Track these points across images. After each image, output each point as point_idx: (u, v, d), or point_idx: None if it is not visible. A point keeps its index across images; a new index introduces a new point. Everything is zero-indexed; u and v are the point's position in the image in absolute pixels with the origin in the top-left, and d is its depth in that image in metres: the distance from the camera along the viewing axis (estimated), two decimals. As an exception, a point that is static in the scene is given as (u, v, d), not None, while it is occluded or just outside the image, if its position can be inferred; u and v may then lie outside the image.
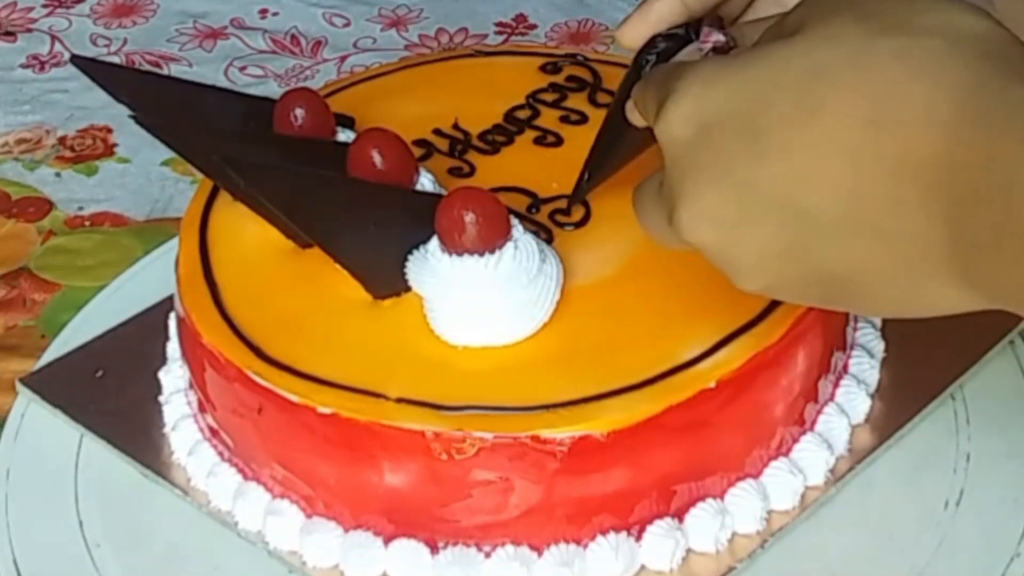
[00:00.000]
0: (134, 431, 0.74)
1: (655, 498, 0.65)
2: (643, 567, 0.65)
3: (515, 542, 0.64)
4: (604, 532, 0.64)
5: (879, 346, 0.74)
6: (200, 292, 0.70)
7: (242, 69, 1.10)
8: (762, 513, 0.67)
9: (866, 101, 0.49)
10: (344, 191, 0.66)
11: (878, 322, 0.75)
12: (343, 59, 1.11)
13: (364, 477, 0.64)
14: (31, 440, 0.76)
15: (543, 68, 0.81)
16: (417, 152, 0.73)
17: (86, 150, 1.03)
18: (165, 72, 1.09)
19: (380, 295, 0.67)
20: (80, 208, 0.97)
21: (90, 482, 0.73)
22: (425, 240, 0.65)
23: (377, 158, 0.67)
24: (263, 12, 1.17)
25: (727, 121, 0.52)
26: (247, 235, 0.72)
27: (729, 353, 0.64)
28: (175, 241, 0.74)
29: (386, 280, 0.66)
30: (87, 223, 0.96)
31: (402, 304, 0.67)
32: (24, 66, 1.12)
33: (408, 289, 0.66)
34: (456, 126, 0.77)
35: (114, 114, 1.02)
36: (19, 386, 0.78)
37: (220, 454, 0.71)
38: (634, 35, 0.63)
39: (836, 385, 0.71)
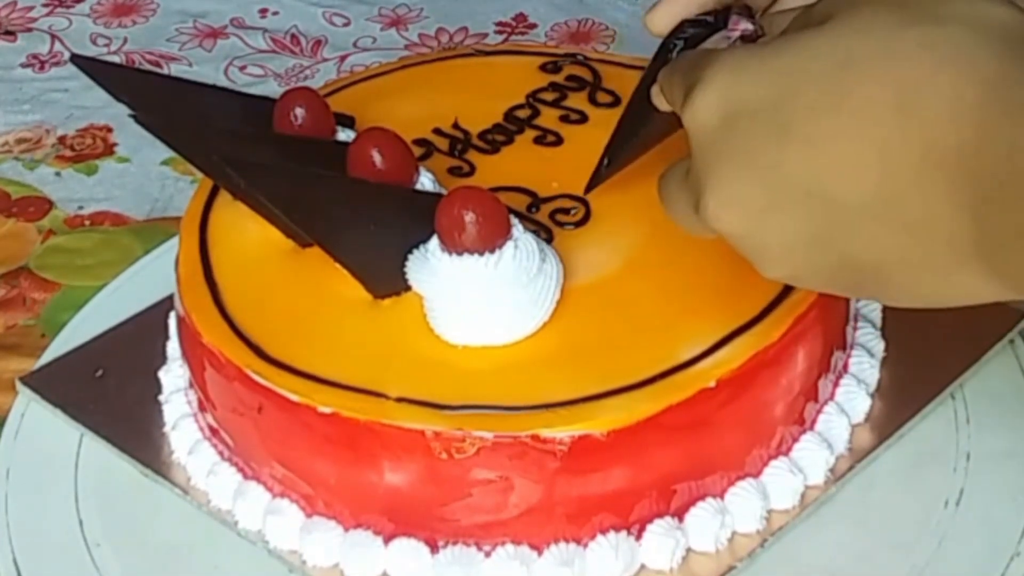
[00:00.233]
0: (134, 431, 0.74)
1: (655, 497, 0.65)
2: (643, 566, 0.65)
3: (515, 541, 0.64)
4: (604, 531, 0.64)
5: (879, 346, 0.74)
6: (200, 292, 0.70)
7: (242, 69, 1.10)
8: (762, 512, 0.67)
9: (893, 90, 0.49)
10: (344, 191, 0.66)
11: (878, 322, 0.75)
12: (343, 59, 1.11)
13: (364, 476, 0.64)
14: (31, 440, 0.76)
15: (543, 68, 0.81)
16: (417, 152, 0.73)
17: (86, 149, 1.03)
18: (165, 72, 1.09)
19: (380, 295, 0.67)
20: (80, 207, 0.97)
21: (90, 482, 0.73)
22: (425, 240, 0.65)
23: (377, 158, 0.67)
24: (263, 12, 1.17)
25: (755, 109, 0.52)
26: (247, 235, 0.72)
27: (729, 352, 0.64)
28: (175, 241, 0.74)
29: (386, 280, 0.66)
30: (87, 222, 0.96)
31: (402, 304, 0.67)
32: (24, 66, 1.12)
33: (408, 289, 0.66)
34: (456, 126, 0.77)
35: (114, 114, 1.02)
36: (19, 385, 0.78)
37: (220, 453, 0.71)
38: (662, 20, 0.63)
39: (836, 384, 0.71)
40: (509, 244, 0.64)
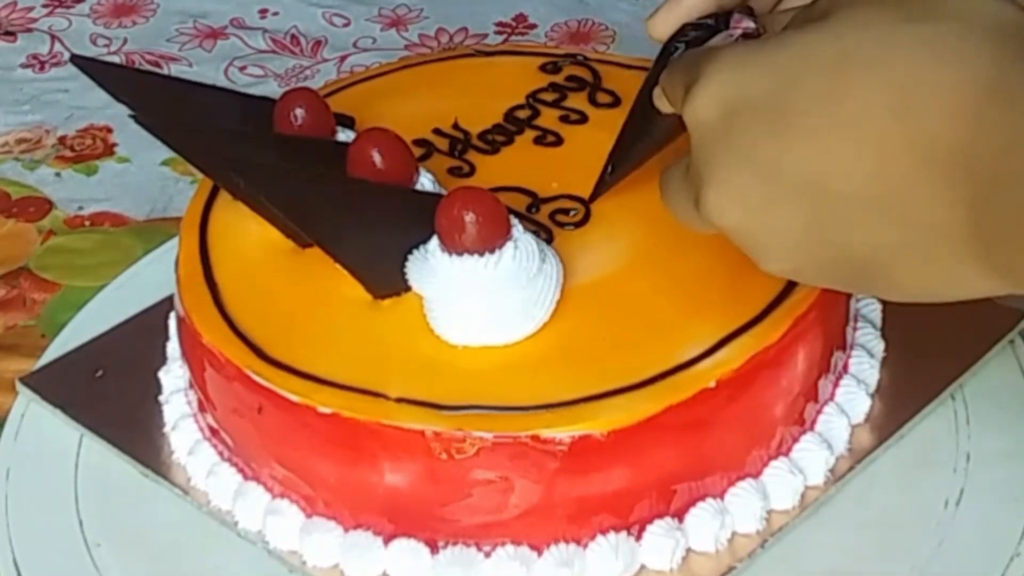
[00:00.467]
0: (134, 431, 0.74)
1: (655, 498, 0.65)
2: (643, 567, 0.65)
3: (515, 542, 0.64)
4: (604, 532, 0.64)
5: (879, 346, 0.74)
6: (200, 292, 0.70)
7: (242, 69, 1.10)
8: (762, 513, 0.67)
9: (892, 86, 0.50)
10: (344, 191, 0.66)
11: (878, 322, 0.75)
12: (343, 59, 1.11)
13: (364, 477, 0.64)
14: (31, 440, 0.76)
15: (543, 68, 0.81)
16: (417, 152, 0.73)
17: (86, 150, 1.03)
18: (165, 72, 1.09)
19: (380, 295, 0.67)
20: (80, 208, 0.97)
21: (90, 482, 0.73)
22: (425, 240, 0.65)
23: (377, 158, 0.67)
24: (263, 12, 1.17)
25: (754, 104, 0.53)
26: (247, 235, 0.72)
27: (729, 353, 0.64)
28: (175, 241, 0.74)
29: (386, 280, 0.66)
30: (87, 223, 0.96)
31: (402, 304, 0.67)
32: (24, 66, 1.12)
33: (408, 289, 0.66)
34: (456, 126, 0.77)
35: (114, 114, 1.02)
36: (19, 386, 0.78)
37: (220, 454, 0.71)
38: (664, 25, 0.63)
39: (836, 385, 0.71)
40: (509, 244, 0.64)
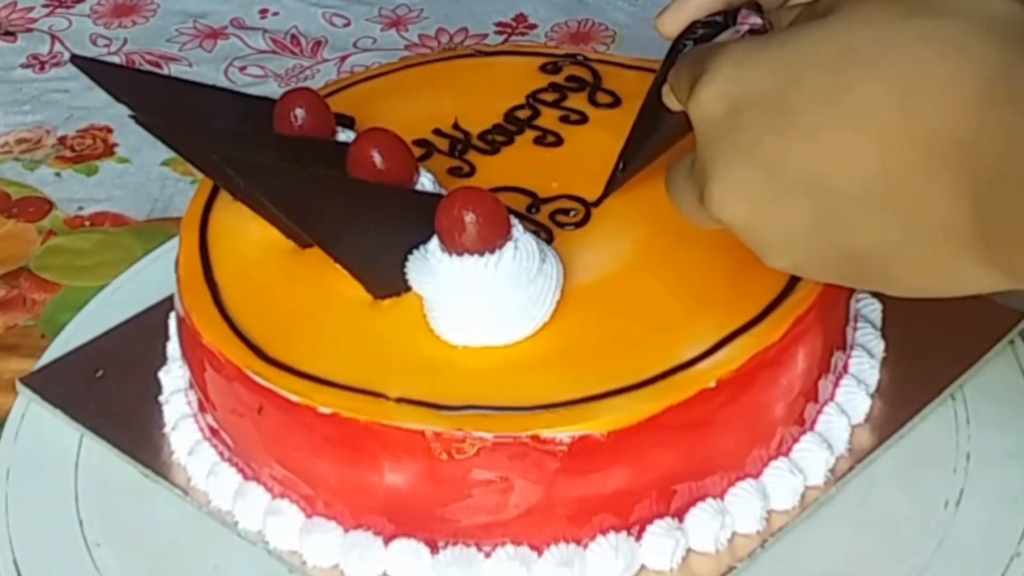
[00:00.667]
0: (134, 431, 0.74)
1: (655, 498, 0.65)
2: (643, 567, 0.65)
3: (515, 542, 0.64)
4: (604, 532, 0.64)
5: (879, 346, 0.74)
6: (200, 292, 0.70)
7: (242, 69, 1.10)
8: (762, 513, 0.67)
9: (894, 82, 0.50)
10: (344, 191, 0.66)
11: (878, 322, 0.75)
12: (343, 59, 1.11)
13: (364, 477, 0.64)
14: (31, 440, 0.76)
15: (543, 68, 0.81)
16: (417, 152, 0.73)
17: (86, 150, 1.03)
18: (165, 72, 1.09)
19: (380, 295, 0.67)
20: (80, 208, 0.97)
21: (90, 482, 0.73)
22: (425, 240, 0.65)
23: (377, 158, 0.67)
24: (263, 12, 1.17)
25: (758, 99, 0.53)
26: (247, 235, 0.72)
27: (729, 353, 0.64)
28: (175, 241, 0.74)
29: (386, 280, 0.66)
30: (87, 223, 0.96)
31: (402, 304, 0.67)
32: (24, 66, 1.12)
33: (408, 289, 0.66)
34: (456, 126, 0.77)
35: (114, 114, 1.02)
36: (19, 386, 0.78)
37: (220, 454, 0.71)
38: (673, 22, 0.64)
39: (836, 385, 0.71)
40: (509, 245, 0.64)
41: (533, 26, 1.14)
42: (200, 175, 0.77)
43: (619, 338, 0.65)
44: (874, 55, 0.51)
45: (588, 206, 0.71)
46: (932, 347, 0.73)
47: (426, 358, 0.65)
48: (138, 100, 0.71)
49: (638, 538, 0.65)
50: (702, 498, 0.66)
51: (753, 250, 0.57)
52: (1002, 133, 0.47)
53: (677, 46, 0.63)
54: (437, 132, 0.77)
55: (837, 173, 0.52)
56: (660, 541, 0.65)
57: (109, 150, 1.02)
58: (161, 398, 0.75)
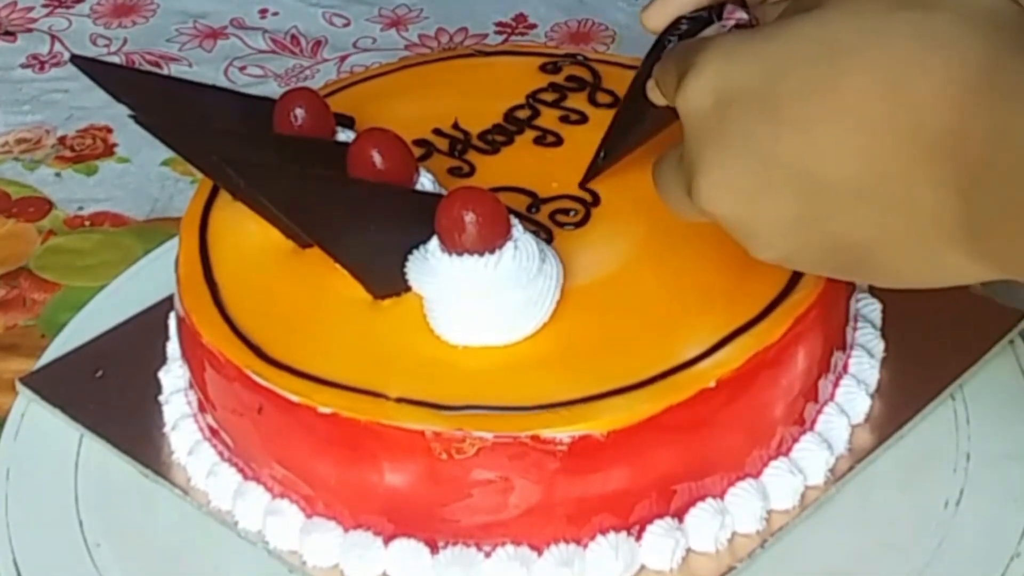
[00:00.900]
0: (134, 431, 0.74)
1: (655, 498, 0.65)
2: (643, 567, 0.65)
3: (515, 542, 0.64)
4: (604, 532, 0.64)
5: (879, 346, 0.74)
6: (200, 292, 0.70)
7: (242, 69, 1.10)
8: (762, 513, 0.67)
9: (882, 74, 0.50)
10: (344, 191, 0.66)
11: (878, 322, 0.75)
12: (343, 59, 1.11)
13: (364, 477, 0.64)
14: (31, 440, 0.76)
15: (543, 68, 0.81)
16: (417, 152, 0.73)
17: (86, 150, 1.03)
18: (165, 72, 1.09)
19: (380, 295, 0.67)
20: (80, 208, 0.97)
21: (90, 482, 0.73)
22: (425, 240, 0.65)
23: (377, 158, 0.67)
24: (263, 12, 1.17)
25: (746, 92, 0.53)
26: (247, 235, 0.72)
27: (729, 353, 0.64)
28: (175, 241, 0.74)
29: (386, 280, 0.66)
30: (87, 223, 0.96)
31: (402, 304, 0.67)
32: (24, 66, 1.12)
33: (408, 289, 0.66)
34: (456, 126, 0.77)
35: (114, 114, 1.02)
36: (19, 386, 0.78)
37: (220, 454, 0.71)
38: (658, 17, 0.64)
39: (836, 385, 0.71)
40: (509, 244, 0.64)
41: (533, 26, 1.14)
42: (200, 175, 0.77)
43: (619, 338, 0.65)
44: (861, 47, 0.51)
45: (588, 206, 0.71)
46: (932, 347, 0.73)
47: (426, 358, 0.65)
48: (138, 100, 0.71)
49: (638, 538, 0.65)
50: (702, 498, 0.66)
51: (741, 242, 0.57)
52: (988, 126, 0.48)
53: (662, 41, 0.63)
54: (437, 132, 0.77)
55: (824, 165, 0.52)
56: (660, 541, 0.65)
57: (109, 150, 1.02)
58: (161, 398, 0.75)
